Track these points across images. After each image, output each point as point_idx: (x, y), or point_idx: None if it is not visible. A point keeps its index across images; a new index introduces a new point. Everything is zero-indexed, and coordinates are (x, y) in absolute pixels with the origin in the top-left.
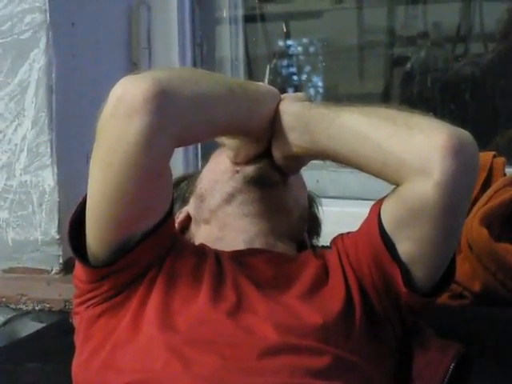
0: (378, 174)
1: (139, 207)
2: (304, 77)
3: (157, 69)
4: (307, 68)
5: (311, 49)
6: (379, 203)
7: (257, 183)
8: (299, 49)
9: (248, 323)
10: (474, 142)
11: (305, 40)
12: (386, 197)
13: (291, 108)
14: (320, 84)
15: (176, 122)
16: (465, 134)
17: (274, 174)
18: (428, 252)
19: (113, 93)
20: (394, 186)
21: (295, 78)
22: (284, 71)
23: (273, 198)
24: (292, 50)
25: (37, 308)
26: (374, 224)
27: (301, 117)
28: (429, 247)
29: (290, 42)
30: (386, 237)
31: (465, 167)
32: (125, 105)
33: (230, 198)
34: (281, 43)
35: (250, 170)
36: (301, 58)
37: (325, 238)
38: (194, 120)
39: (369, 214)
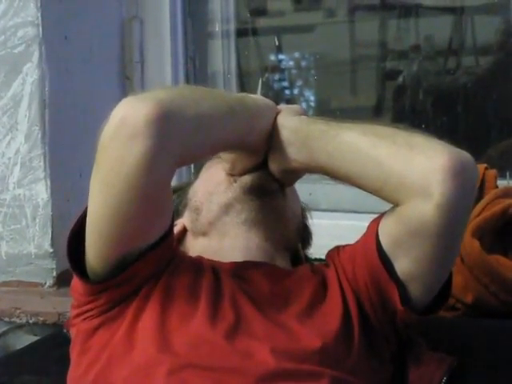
0: (377, 193)
1: (139, 227)
2: (296, 91)
3: (158, 89)
4: (299, 82)
5: (303, 63)
6: (377, 221)
7: (255, 192)
8: (291, 63)
9: (246, 347)
10: (474, 163)
11: (297, 54)
12: (384, 214)
13: (289, 122)
14: (312, 98)
15: (178, 145)
16: (465, 156)
17: (273, 183)
18: (426, 271)
19: (114, 114)
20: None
21: (287, 91)
22: (276, 85)
23: (271, 206)
24: (284, 64)
25: (30, 321)
26: (371, 242)
27: (299, 132)
28: (427, 266)
29: (282, 56)
30: (384, 255)
31: (464, 189)
32: (127, 128)
33: (227, 208)
34: (273, 57)
35: (248, 179)
36: (293, 71)
37: (318, 251)
38: (196, 141)
39: (366, 232)
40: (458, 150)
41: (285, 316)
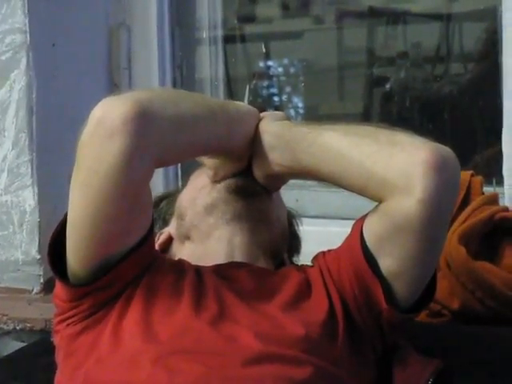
0: (360, 192)
1: (119, 228)
2: (284, 97)
3: (137, 90)
4: (287, 89)
5: (291, 69)
6: (362, 220)
7: (240, 193)
8: (279, 69)
9: (230, 332)
10: (455, 157)
11: (285, 61)
12: (368, 213)
13: (271, 127)
14: (300, 105)
15: (156, 143)
16: (446, 150)
17: (257, 185)
18: (410, 268)
19: (93, 114)
20: (375, 204)
21: (276, 98)
22: (264, 92)
23: (255, 207)
24: (272, 71)
25: (18, 327)
26: (356, 240)
27: (281, 136)
28: (411, 263)
29: (270, 63)
30: (368, 253)
31: (447, 183)
32: (104, 126)
33: (211, 209)
34: (261, 64)
35: (232, 180)
36: (281, 78)
37: (305, 258)
38: (174, 141)
39: (351, 231)
40: (439, 145)
41: (268, 307)
